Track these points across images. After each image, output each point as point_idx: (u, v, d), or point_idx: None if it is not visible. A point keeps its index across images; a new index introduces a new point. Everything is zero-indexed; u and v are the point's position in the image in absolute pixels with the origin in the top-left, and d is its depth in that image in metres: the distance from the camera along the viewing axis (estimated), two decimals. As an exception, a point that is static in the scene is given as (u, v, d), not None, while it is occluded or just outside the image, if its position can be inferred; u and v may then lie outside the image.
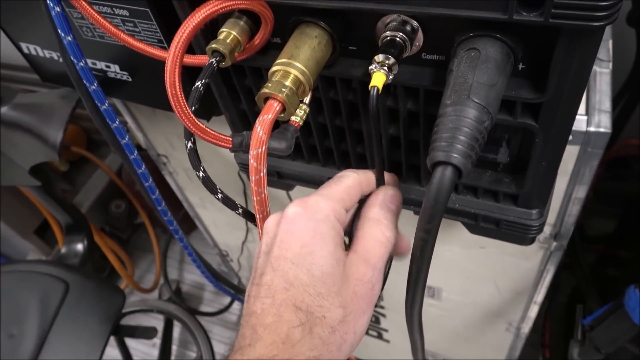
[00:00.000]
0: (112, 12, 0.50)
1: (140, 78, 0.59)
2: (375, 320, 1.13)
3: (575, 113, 0.35)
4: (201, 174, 0.37)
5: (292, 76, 0.35)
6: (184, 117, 0.32)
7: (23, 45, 0.64)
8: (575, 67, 0.32)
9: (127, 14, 0.50)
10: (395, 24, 0.35)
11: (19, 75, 1.40)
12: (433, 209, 0.29)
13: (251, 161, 0.33)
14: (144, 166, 0.58)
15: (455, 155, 0.28)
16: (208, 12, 0.31)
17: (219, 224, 1.03)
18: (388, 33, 0.35)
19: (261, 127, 0.33)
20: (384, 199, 0.37)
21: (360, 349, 1.25)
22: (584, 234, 1.24)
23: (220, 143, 0.35)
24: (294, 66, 0.34)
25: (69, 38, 0.42)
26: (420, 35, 0.35)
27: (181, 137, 0.85)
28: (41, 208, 1.34)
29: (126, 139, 0.52)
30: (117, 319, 0.86)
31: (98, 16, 0.42)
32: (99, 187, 1.65)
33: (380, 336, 1.19)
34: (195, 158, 0.37)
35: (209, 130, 0.34)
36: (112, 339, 1.10)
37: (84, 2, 0.41)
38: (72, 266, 0.98)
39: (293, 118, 0.37)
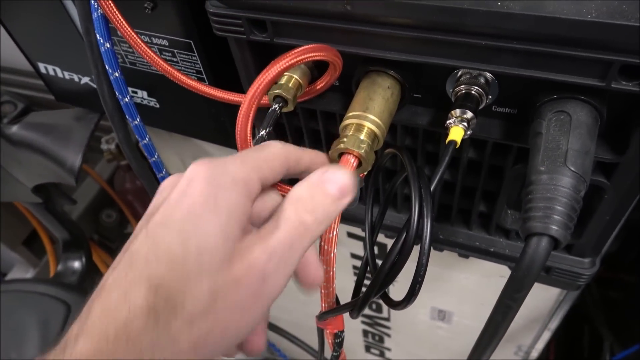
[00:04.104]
0: (150, 42, 0.48)
1: (169, 105, 0.57)
2: (379, 339, 1.12)
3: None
4: None
5: (366, 129, 0.33)
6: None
7: (41, 66, 0.61)
8: (657, 130, 0.31)
9: (167, 44, 0.48)
10: (469, 77, 0.34)
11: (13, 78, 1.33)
12: (524, 279, 0.29)
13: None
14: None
15: (554, 227, 0.28)
16: (285, 65, 0.30)
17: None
18: (463, 87, 0.34)
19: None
20: (322, 179, 0.28)
21: (360, 367, 1.24)
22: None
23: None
24: (370, 119, 0.33)
25: (117, 74, 0.40)
26: (495, 89, 0.35)
27: (195, 158, 0.82)
28: (32, 220, 1.29)
29: (163, 172, 0.50)
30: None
31: (146, 48, 0.40)
32: (89, 195, 1.60)
33: (382, 354, 1.19)
34: None
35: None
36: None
37: (132, 33, 0.39)
38: (71, 285, 0.94)
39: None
